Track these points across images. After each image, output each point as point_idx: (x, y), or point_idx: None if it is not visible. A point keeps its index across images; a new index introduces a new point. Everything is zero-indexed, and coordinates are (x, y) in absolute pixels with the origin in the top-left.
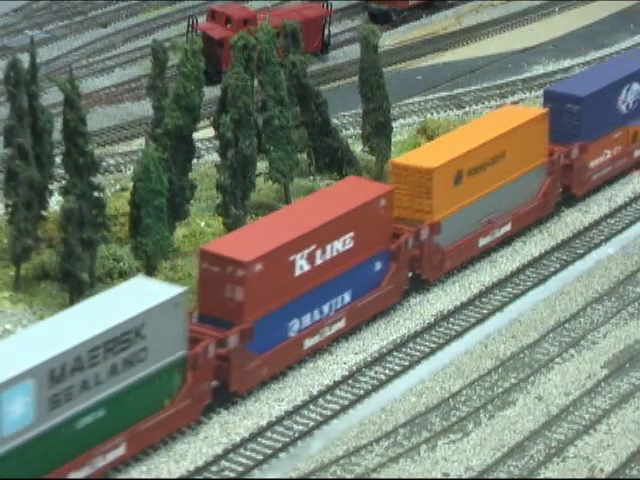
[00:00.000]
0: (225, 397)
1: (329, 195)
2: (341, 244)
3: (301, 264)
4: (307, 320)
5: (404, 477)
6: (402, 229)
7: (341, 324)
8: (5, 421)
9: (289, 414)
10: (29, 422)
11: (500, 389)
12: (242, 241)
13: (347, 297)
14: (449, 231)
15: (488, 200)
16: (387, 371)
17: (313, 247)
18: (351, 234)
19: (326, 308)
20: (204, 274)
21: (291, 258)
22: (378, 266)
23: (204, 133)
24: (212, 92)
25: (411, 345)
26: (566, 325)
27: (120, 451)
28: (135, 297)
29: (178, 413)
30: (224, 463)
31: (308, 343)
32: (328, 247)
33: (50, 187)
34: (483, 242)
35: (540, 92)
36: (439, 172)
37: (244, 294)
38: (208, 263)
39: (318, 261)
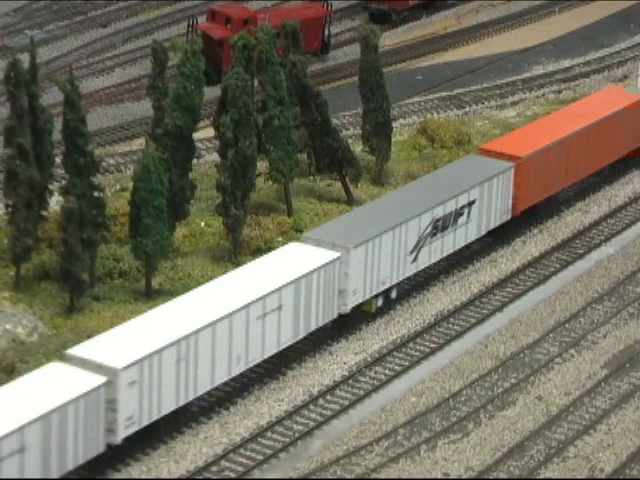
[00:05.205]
0: None
1: None
2: None
3: None
4: None
5: (404, 477)
6: None
7: None
8: None
9: (289, 414)
10: None
11: (500, 389)
12: None
13: None
14: None
15: None
16: (387, 371)
17: None
18: None
19: None
20: None
21: None
22: None
23: (204, 133)
24: (212, 92)
25: (411, 345)
26: (566, 325)
27: None
28: None
29: None
30: (224, 463)
31: None
32: None
33: (50, 187)
34: None
35: (540, 92)
36: None
37: None
38: None
39: None
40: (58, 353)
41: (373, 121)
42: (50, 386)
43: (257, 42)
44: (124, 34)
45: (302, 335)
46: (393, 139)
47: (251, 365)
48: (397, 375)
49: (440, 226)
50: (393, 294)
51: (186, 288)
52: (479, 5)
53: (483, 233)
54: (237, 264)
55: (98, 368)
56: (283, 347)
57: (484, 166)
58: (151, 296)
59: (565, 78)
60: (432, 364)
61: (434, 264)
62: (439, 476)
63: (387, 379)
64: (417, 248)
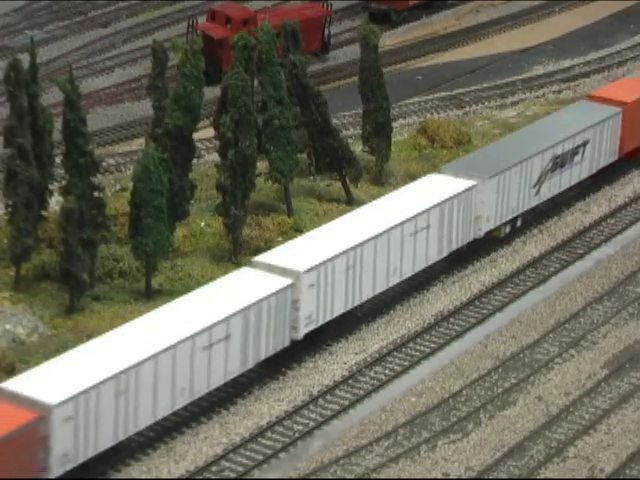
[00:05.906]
0: None
1: None
2: None
3: None
4: None
5: (404, 477)
6: None
7: None
8: None
9: (289, 414)
10: None
11: (500, 389)
12: None
13: None
14: None
15: None
16: (387, 371)
17: None
18: None
19: None
20: None
21: None
22: None
23: (204, 133)
24: (212, 92)
25: (411, 345)
26: (566, 325)
27: None
28: None
29: None
30: (224, 463)
31: None
32: None
33: (50, 187)
34: None
35: (540, 92)
36: None
37: None
38: None
39: None
40: (58, 353)
41: (373, 121)
42: (245, 286)
43: (257, 42)
44: (124, 34)
45: (445, 254)
46: (393, 139)
47: (404, 278)
48: (397, 375)
49: (559, 163)
50: (518, 223)
51: (186, 288)
52: (479, 5)
53: (594, 171)
54: (237, 264)
55: (283, 272)
56: (430, 263)
57: (596, 110)
58: (151, 296)
59: (565, 78)
60: (432, 364)
61: (555, 195)
62: (439, 476)
63: (387, 379)
64: (539, 182)
